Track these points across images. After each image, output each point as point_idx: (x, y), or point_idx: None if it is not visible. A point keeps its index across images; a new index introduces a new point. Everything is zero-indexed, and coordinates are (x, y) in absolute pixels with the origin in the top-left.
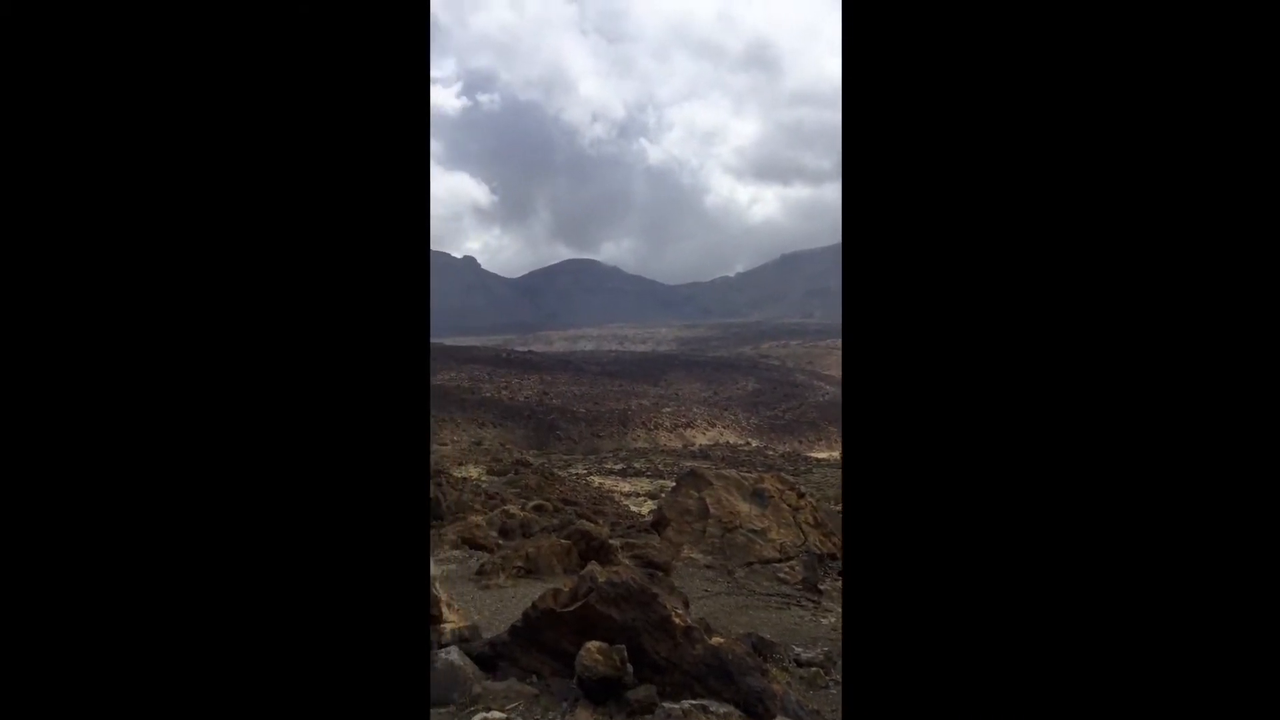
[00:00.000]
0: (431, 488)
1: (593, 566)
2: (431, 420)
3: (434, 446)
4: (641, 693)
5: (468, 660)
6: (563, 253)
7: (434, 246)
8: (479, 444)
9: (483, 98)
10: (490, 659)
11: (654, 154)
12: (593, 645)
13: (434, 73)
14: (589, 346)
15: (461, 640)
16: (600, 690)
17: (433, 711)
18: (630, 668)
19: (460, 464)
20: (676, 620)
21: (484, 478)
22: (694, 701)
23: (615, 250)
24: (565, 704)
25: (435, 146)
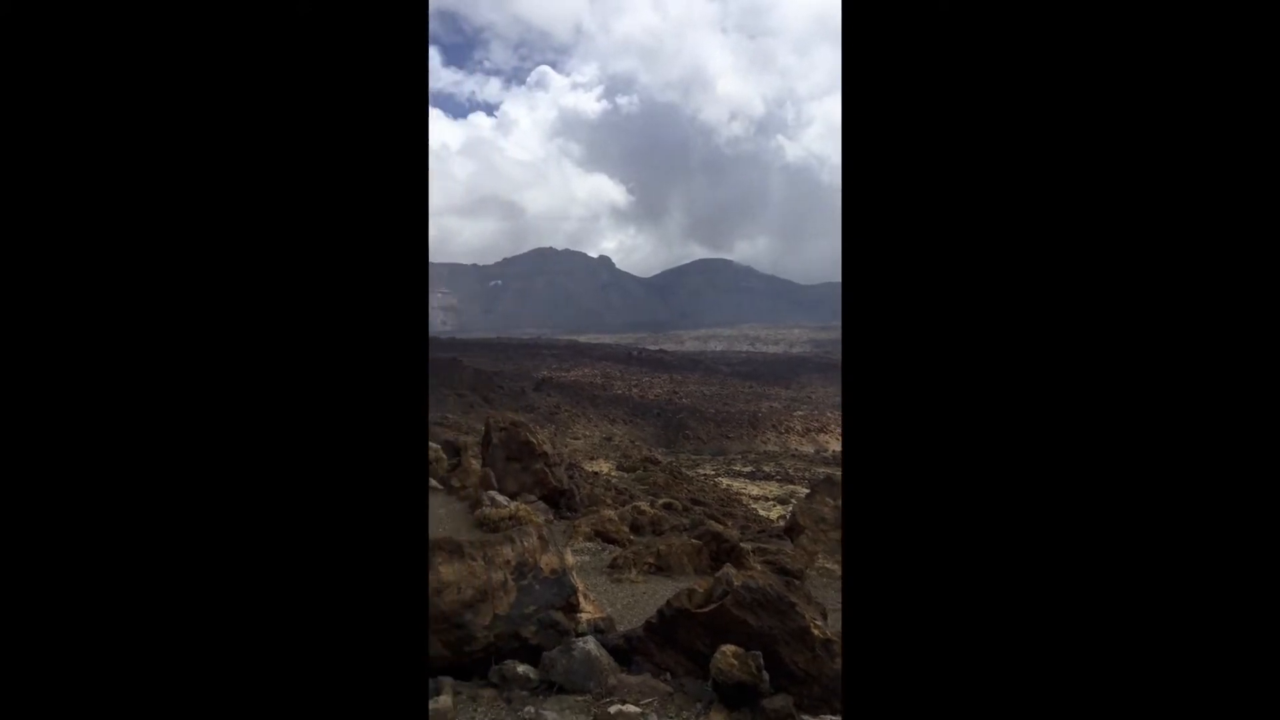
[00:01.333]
0: (565, 479)
1: (728, 569)
2: (564, 414)
3: (566, 440)
4: (778, 702)
5: (603, 651)
6: (696, 252)
7: (571, 246)
8: (609, 440)
9: (622, 100)
10: (625, 652)
11: (792, 151)
12: (728, 649)
13: (576, 78)
14: (720, 347)
15: (597, 631)
16: (735, 695)
17: (569, 698)
18: (766, 675)
19: (591, 458)
20: (815, 631)
21: (614, 473)
22: (833, 717)
23: (749, 249)
24: (699, 705)
25: (575, 149)
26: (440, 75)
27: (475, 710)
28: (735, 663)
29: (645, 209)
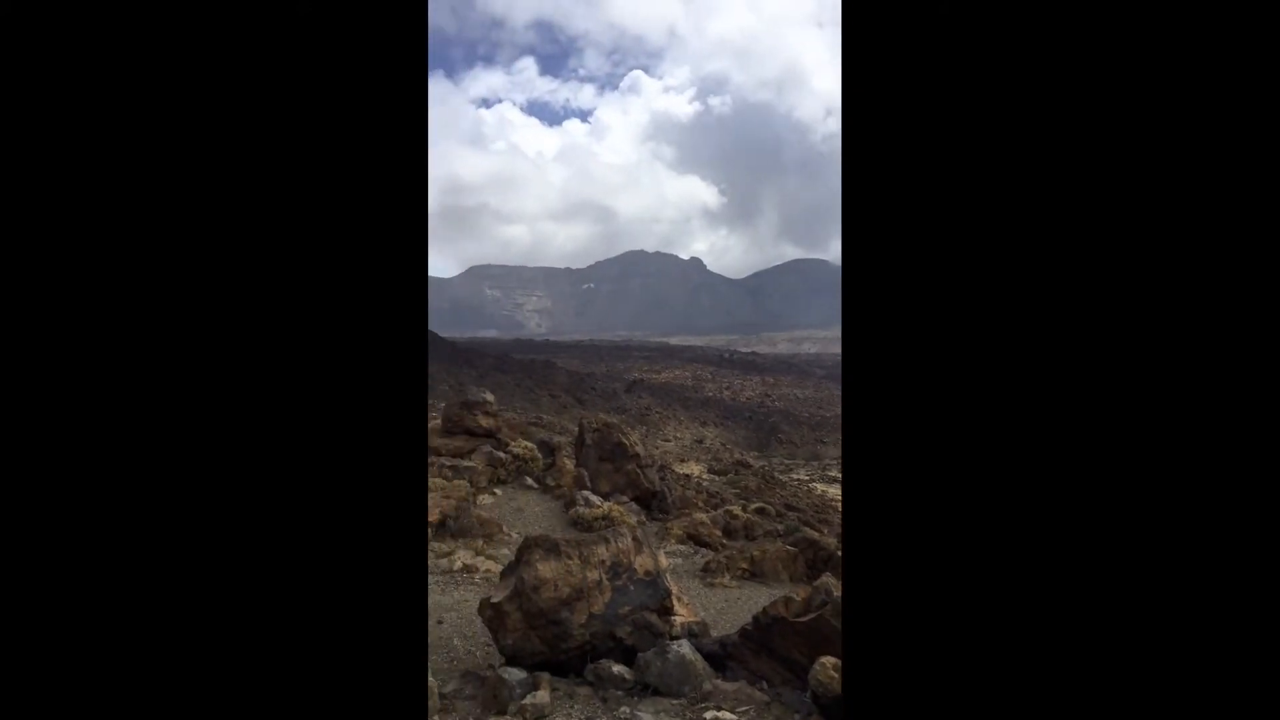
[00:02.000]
0: (657, 481)
1: (827, 578)
2: (656, 416)
3: (657, 442)
4: None
5: (698, 656)
6: (789, 252)
7: (662, 248)
8: (700, 442)
9: (714, 101)
10: (720, 658)
11: None
12: (828, 661)
13: (668, 81)
14: (814, 349)
15: (691, 635)
16: (836, 709)
17: (664, 701)
18: None
19: (682, 460)
20: None
21: (705, 476)
22: None
23: None
24: (798, 716)
25: (666, 152)
26: (536, 85)
27: (572, 707)
28: (836, 675)
29: (737, 210)
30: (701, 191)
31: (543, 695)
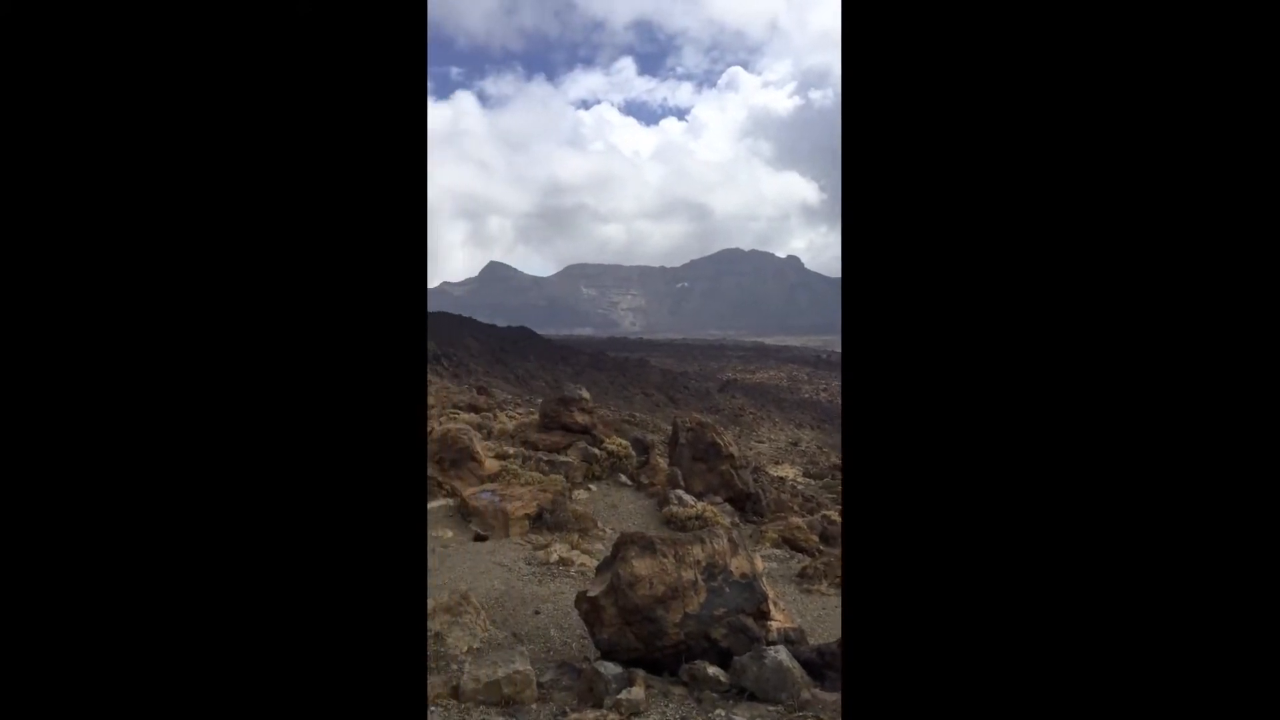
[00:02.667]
0: (751, 483)
1: None
2: (749, 416)
3: (751, 443)
4: None
5: (795, 663)
6: None
7: (759, 247)
8: (795, 444)
9: (815, 95)
10: (818, 666)
11: None
12: None
13: (768, 76)
14: None
15: (788, 641)
16: None
17: (760, 707)
18: None
19: (777, 463)
20: None
21: (800, 479)
22: None
23: None
24: None
25: (764, 148)
26: (634, 84)
27: (666, 705)
28: None
29: (838, 206)
30: (800, 188)
31: (638, 692)
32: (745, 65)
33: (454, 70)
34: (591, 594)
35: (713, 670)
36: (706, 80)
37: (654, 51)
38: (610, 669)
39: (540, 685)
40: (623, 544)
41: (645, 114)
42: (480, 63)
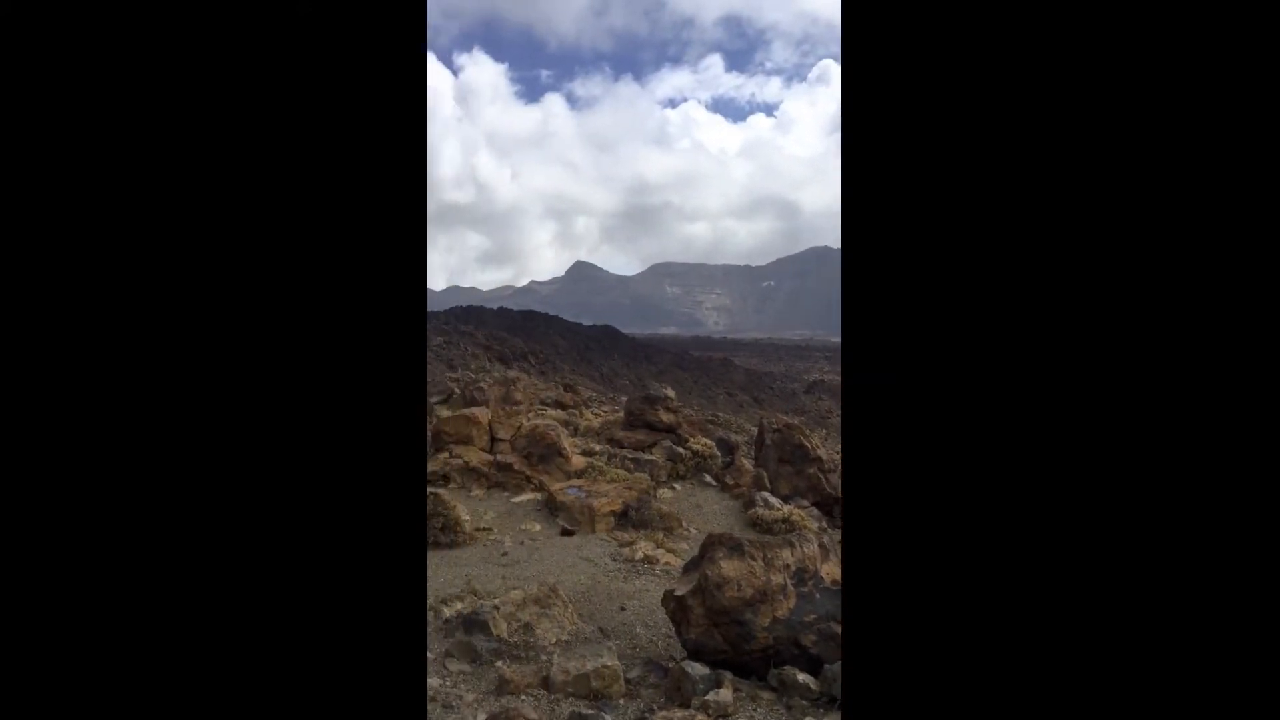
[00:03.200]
0: (839, 487)
1: None
2: (836, 419)
3: (838, 446)
4: None
5: None
6: None
7: None
8: None
9: None
10: None
11: None
12: None
13: None
14: None
15: None
16: None
17: None
18: None
19: None
20: None
21: None
22: None
23: None
24: None
25: None
26: (722, 81)
27: (755, 710)
28: None
29: None
30: None
31: (726, 694)
32: (837, 57)
33: (544, 73)
34: (679, 593)
35: (803, 677)
36: (796, 74)
37: (743, 47)
38: (697, 669)
39: (627, 681)
40: (710, 544)
41: (732, 110)
42: (569, 65)
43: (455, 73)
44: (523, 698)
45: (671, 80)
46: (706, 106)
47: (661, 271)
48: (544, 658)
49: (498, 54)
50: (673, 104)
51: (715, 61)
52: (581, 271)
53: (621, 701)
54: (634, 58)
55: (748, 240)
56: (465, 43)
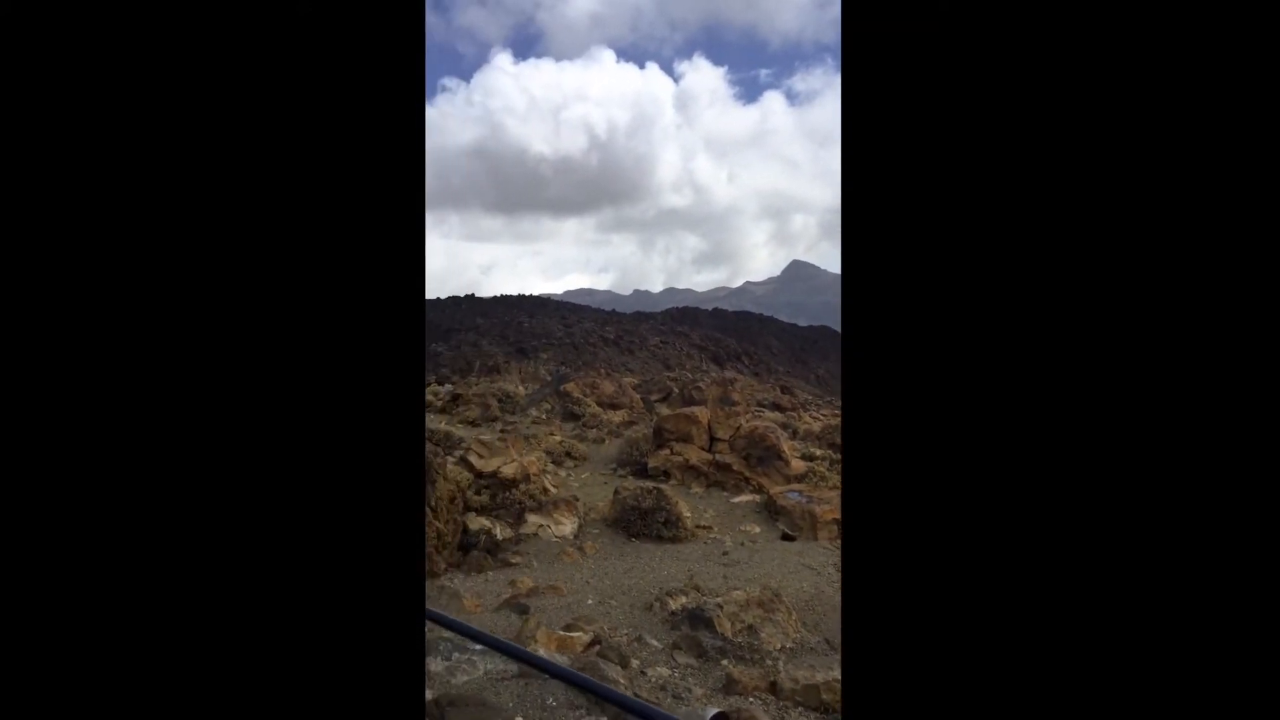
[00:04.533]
0: None
1: None
2: None
3: None
4: None
5: None
6: None
7: None
8: None
9: None
10: None
11: None
12: None
13: None
14: None
15: None
16: None
17: None
18: None
19: None
20: None
21: None
22: None
23: None
24: None
25: None
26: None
27: None
28: None
29: None
30: None
31: None
32: None
33: (762, 73)
34: None
35: None
36: None
37: None
38: None
39: None
40: None
41: None
42: (790, 60)
43: (676, 80)
44: (751, 700)
45: None
46: None
47: None
48: (769, 662)
49: (718, 58)
50: None
51: None
52: (798, 271)
53: None
54: None
55: None
56: (687, 50)
